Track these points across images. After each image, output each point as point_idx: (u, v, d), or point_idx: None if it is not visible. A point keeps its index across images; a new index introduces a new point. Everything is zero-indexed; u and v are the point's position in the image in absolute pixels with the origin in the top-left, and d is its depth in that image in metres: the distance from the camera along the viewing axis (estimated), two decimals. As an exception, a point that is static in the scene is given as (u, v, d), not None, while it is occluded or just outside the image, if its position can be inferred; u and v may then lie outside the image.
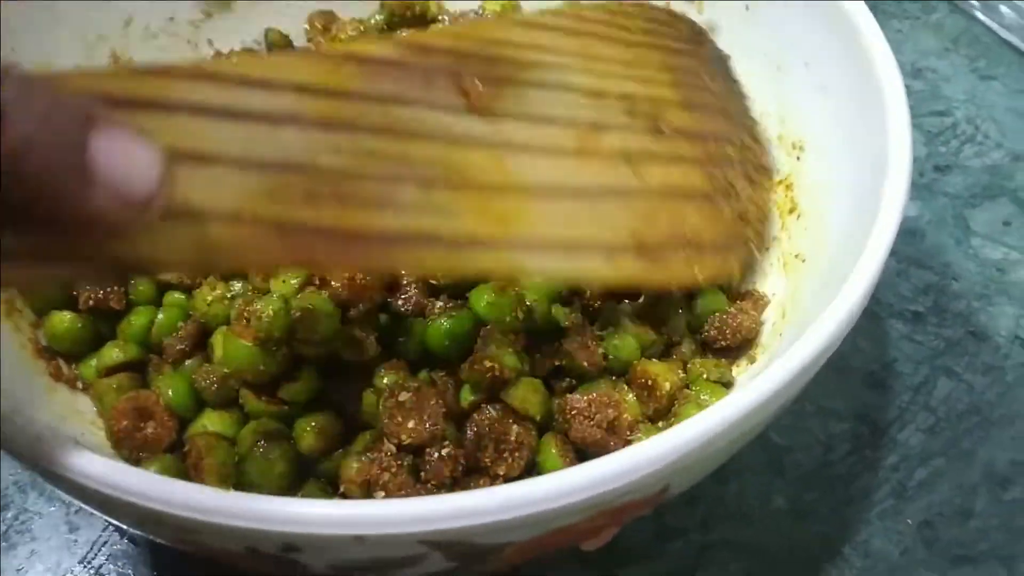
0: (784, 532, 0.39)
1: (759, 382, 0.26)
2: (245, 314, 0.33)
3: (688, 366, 0.36)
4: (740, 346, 0.38)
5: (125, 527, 0.36)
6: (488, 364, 0.33)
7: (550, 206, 0.29)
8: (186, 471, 0.33)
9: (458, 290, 0.36)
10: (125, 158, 0.20)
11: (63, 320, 0.37)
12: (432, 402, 0.33)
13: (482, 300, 0.34)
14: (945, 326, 0.45)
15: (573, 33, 0.33)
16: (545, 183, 0.29)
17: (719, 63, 0.42)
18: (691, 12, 0.45)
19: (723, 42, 0.44)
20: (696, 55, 0.39)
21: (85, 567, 0.38)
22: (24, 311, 0.38)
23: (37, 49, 0.40)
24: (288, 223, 0.23)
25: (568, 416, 0.33)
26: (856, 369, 0.44)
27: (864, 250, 0.29)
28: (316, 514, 0.23)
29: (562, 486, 0.24)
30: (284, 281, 0.36)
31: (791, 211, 0.40)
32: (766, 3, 0.41)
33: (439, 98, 0.28)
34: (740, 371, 0.37)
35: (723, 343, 0.37)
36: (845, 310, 0.28)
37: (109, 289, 0.38)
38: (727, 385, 0.36)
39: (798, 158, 0.40)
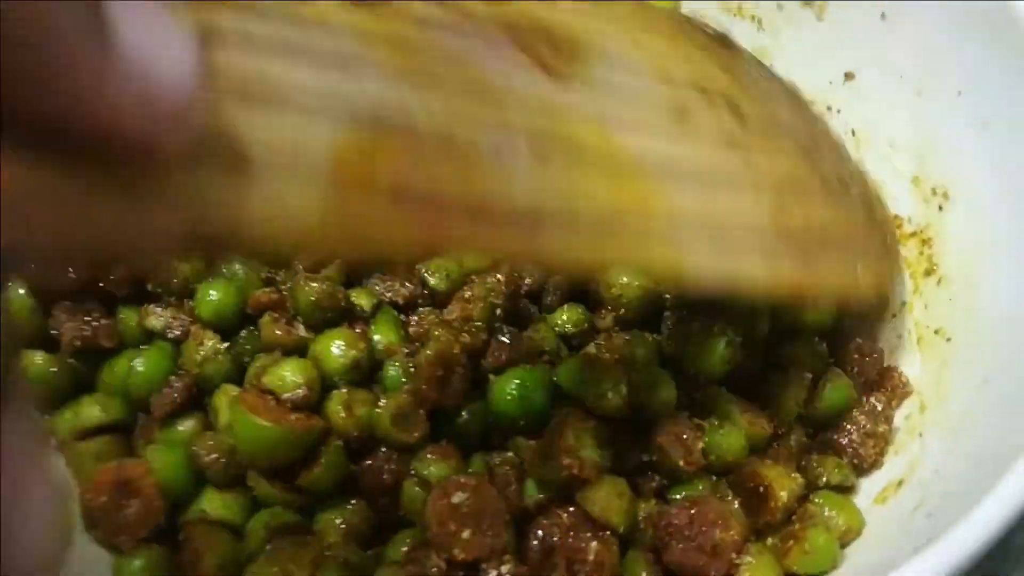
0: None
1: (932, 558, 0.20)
2: (264, 382, 0.27)
3: (803, 464, 0.30)
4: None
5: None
6: (566, 461, 0.27)
7: (680, 188, 0.26)
8: (178, 567, 0.28)
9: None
10: (150, 34, 0.14)
11: (35, 362, 0.31)
12: (493, 505, 0.27)
13: (567, 371, 0.28)
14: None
15: (621, 22, 0.29)
16: (662, 162, 0.26)
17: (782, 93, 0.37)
18: (808, 17, 0.39)
19: (850, 57, 0.37)
20: (751, 72, 0.35)
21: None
22: None
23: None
24: (403, 188, 0.19)
25: (663, 533, 0.27)
26: None
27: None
28: None
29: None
30: (324, 340, 0.29)
31: (928, 273, 0.34)
32: (911, 9, 0.35)
33: (515, 63, 0.24)
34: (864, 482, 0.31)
35: (858, 458, 0.30)
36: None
37: (97, 323, 0.31)
38: (848, 490, 0.30)
39: (940, 207, 0.34)
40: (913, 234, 0.35)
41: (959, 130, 0.33)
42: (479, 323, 0.30)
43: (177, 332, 0.31)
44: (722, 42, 0.34)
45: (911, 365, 0.33)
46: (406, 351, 0.30)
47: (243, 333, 0.32)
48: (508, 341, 0.31)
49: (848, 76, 0.38)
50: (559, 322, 0.32)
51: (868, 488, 0.31)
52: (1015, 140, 0.31)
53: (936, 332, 0.32)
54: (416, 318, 0.32)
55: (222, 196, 0.16)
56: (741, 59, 0.35)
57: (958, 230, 0.33)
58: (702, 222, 0.26)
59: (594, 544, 0.27)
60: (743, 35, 0.41)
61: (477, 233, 0.21)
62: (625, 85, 0.27)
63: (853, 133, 0.38)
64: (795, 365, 0.32)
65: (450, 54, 0.22)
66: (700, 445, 0.29)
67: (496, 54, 0.24)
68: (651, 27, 0.31)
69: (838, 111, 0.38)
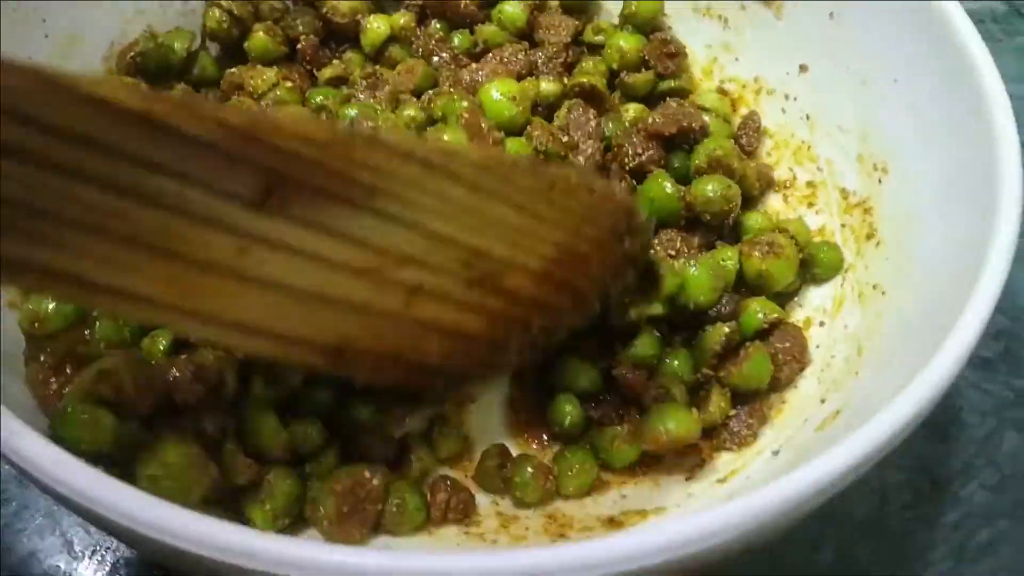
0: (832, 588, 0.37)
1: (857, 439, 0.24)
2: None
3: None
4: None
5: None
6: None
7: (267, 299, 0.27)
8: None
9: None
10: None
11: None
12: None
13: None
14: (1016, 375, 0.43)
15: (468, 185, 0.29)
16: (283, 282, 0.27)
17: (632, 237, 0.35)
18: (768, 17, 0.43)
19: (804, 51, 0.42)
20: (612, 249, 0.34)
21: (85, 571, 0.36)
22: None
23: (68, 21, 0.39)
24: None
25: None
26: (916, 415, 0.42)
27: (967, 305, 0.27)
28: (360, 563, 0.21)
29: (646, 546, 0.22)
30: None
31: (868, 237, 0.38)
32: (854, 10, 0.39)
33: (228, 185, 0.24)
34: (807, 406, 0.35)
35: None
36: (948, 367, 0.26)
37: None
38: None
39: (880, 180, 0.38)
40: (857, 204, 0.39)
41: (895, 113, 0.38)
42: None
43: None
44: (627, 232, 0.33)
45: (852, 316, 0.37)
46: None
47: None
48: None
49: (803, 68, 0.42)
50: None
51: (812, 421, 0.34)
52: (940, 120, 0.35)
53: (874, 287, 0.36)
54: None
55: None
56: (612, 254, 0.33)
57: (894, 199, 0.37)
58: (257, 320, 0.27)
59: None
60: (711, 33, 0.46)
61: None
62: (353, 231, 0.27)
63: (807, 118, 0.42)
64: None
65: (147, 159, 0.23)
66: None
67: (213, 177, 0.24)
68: (524, 203, 0.30)
69: (795, 99, 0.43)
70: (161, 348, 0.33)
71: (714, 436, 0.35)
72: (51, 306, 0.34)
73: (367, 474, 0.31)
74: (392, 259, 0.28)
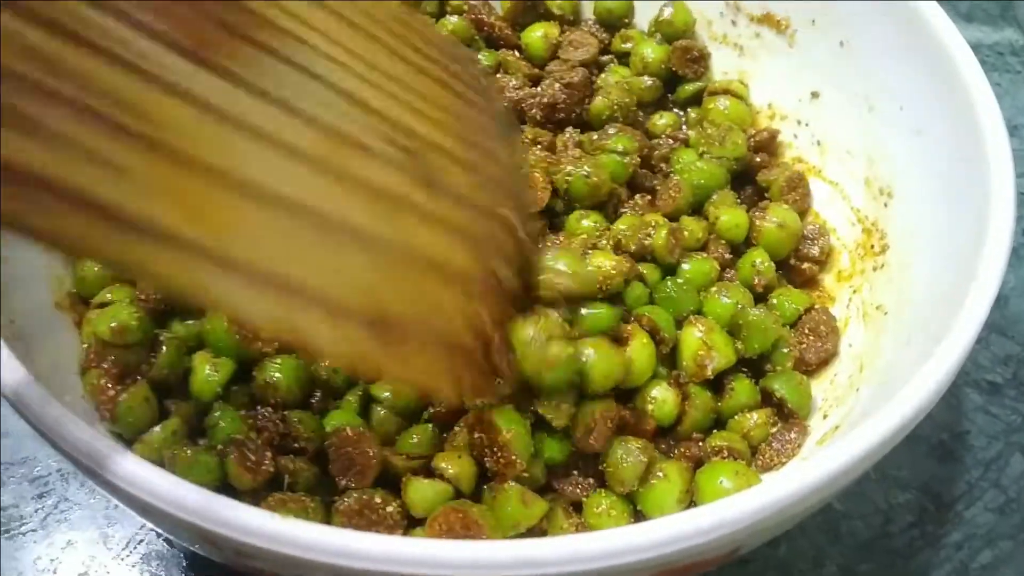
0: (835, 602, 0.39)
1: (850, 443, 0.26)
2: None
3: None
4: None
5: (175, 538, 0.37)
6: None
7: (277, 222, 0.23)
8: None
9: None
10: None
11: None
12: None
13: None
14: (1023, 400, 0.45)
15: (363, 32, 0.28)
16: (277, 188, 0.24)
17: (508, 129, 0.36)
18: (782, 45, 0.46)
19: (815, 78, 0.44)
20: (489, 112, 0.33)
21: (119, 563, 0.39)
22: None
23: None
24: None
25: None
26: (924, 438, 0.43)
27: (958, 317, 0.29)
28: (382, 550, 0.24)
29: (635, 542, 0.24)
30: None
31: (875, 259, 0.40)
32: (863, 39, 0.42)
33: (157, 23, 0.22)
34: (812, 421, 0.37)
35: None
36: (937, 378, 0.28)
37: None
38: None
39: (885, 204, 0.40)
40: (865, 228, 0.41)
41: (901, 138, 0.40)
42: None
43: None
44: (487, 93, 0.33)
45: (856, 335, 0.39)
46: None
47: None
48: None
49: (814, 95, 0.45)
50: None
51: (814, 435, 0.36)
52: (943, 146, 0.37)
53: (877, 308, 0.38)
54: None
55: None
56: (490, 117, 0.33)
57: (899, 222, 0.40)
58: (279, 263, 0.23)
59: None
60: (727, 60, 0.48)
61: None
62: (293, 97, 0.25)
63: (819, 143, 0.45)
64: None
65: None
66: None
67: (155, 20, 0.22)
68: (404, 53, 0.30)
69: (806, 124, 0.45)
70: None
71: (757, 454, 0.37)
72: (134, 320, 0.36)
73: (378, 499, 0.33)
74: (334, 138, 0.25)
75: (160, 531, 0.39)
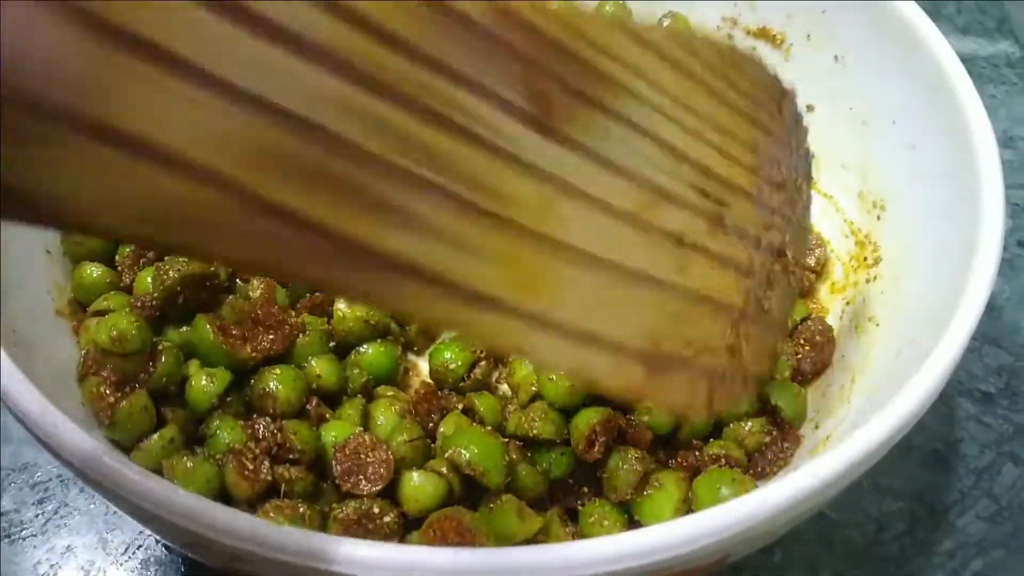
0: (828, 609, 0.39)
1: (838, 454, 0.27)
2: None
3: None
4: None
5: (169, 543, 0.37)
6: None
7: (586, 280, 0.24)
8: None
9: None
10: None
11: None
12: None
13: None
14: (1016, 410, 0.45)
15: (679, 68, 0.27)
16: (592, 249, 0.24)
17: (797, 130, 0.36)
18: (778, 59, 0.47)
19: (811, 92, 0.45)
20: (782, 126, 0.34)
21: (118, 568, 0.40)
22: None
23: None
24: (269, 202, 0.17)
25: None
26: (918, 447, 0.44)
27: (948, 328, 0.30)
28: (375, 556, 0.24)
29: (622, 550, 0.25)
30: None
31: (868, 271, 0.41)
32: (858, 54, 0.43)
33: (504, 92, 0.21)
34: (804, 431, 0.37)
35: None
36: (926, 387, 0.29)
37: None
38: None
39: (878, 217, 0.41)
40: (859, 240, 0.42)
41: (894, 152, 0.41)
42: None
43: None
44: (780, 99, 0.32)
45: (849, 347, 0.39)
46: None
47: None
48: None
49: (809, 108, 0.46)
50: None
51: (807, 445, 0.37)
52: (935, 160, 0.38)
53: (870, 320, 0.39)
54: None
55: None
56: (783, 138, 0.33)
57: (891, 235, 0.40)
58: (583, 319, 0.24)
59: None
60: (723, 72, 0.49)
61: (326, 267, 0.19)
62: (620, 156, 0.24)
63: (814, 156, 0.45)
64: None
65: (438, 56, 0.20)
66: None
67: (491, 79, 0.21)
68: (715, 86, 0.29)
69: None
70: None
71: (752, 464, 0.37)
72: (134, 329, 0.36)
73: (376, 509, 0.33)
74: (649, 193, 0.25)
75: (158, 537, 0.40)
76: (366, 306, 0.37)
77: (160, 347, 0.37)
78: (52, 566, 0.39)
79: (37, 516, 0.41)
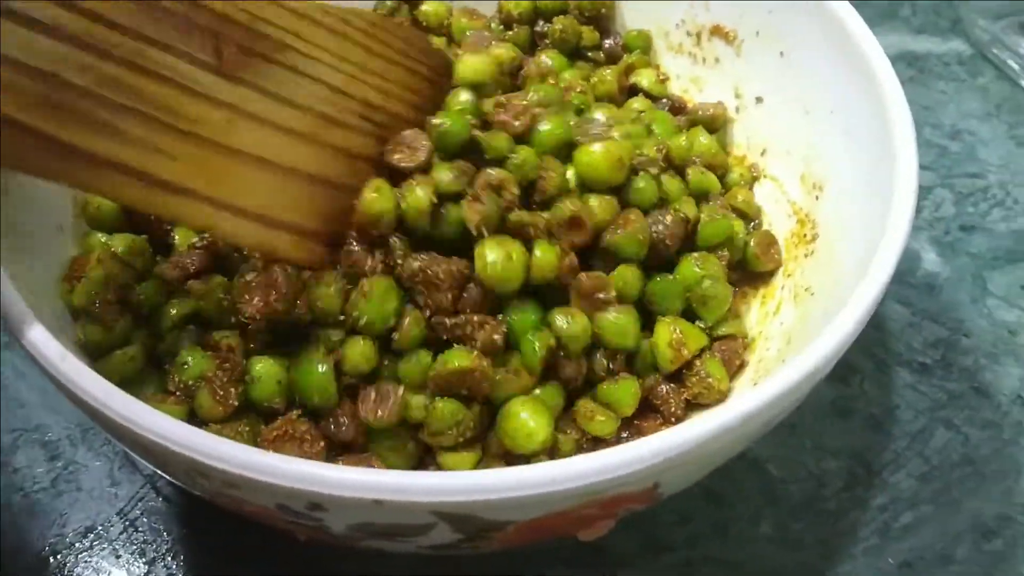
0: (768, 556, 0.43)
1: (756, 392, 0.31)
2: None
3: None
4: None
5: (169, 478, 0.41)
6: None
7: (260, 177, 0.35)
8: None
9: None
10: None
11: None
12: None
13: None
14: (950, 380, 0.50)
15: (334, 31, 0.39)
16: (269, 156, 0.35)
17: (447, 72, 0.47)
18: (730, 53, 0.51)
19: (759, 85, 0.49)
20: (443, 87, 0.45)
21: (121, 519, 0.44)
22: None
23: None
24: (34, 128, 0.28)
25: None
26: (858, 411, 0.48)
27: (864, 276, 0.34)
28: (343, 478, 0.28)
29: (559, 473, 0.29)
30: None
31: (807, 246, 0.45)
32: (800, 51, 0.47)
33: (194, 51, 0.33)
34: (742, 390, 0.42)
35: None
36: (840, 333, 0.33)
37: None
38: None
39: (816, 198, 0.45)
40: (800, 219, 0.46)
41: (831, 138, 0.45)
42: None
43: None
44: (445, 72, 0.44)
45: (787, 315, 0.44)
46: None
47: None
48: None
49: (759, 100, 0.50)
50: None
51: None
52: (866, 146, 0.42)
53: (806, 289, 0.43)
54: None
55: None
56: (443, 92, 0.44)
57: (827, 213, 0.44)
58: (257, 205, 0.34)
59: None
60: (682, 67, 0.54)
61: (65, 168, 0.29)
62: (287, 92, 0.36)
63: (762, 143, 0.50)
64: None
65: (141, 32, 0.31)
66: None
67: (183, 44, 0.32)
68: (369, 45, 0.40)
69: (752, 126, 0.50)
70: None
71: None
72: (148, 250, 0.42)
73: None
74: (318, 118, 0.37)
75: (156, 487, 0.44)
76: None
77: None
78: (62, 515, 0.44)
79: (48, 472, 0.45)
